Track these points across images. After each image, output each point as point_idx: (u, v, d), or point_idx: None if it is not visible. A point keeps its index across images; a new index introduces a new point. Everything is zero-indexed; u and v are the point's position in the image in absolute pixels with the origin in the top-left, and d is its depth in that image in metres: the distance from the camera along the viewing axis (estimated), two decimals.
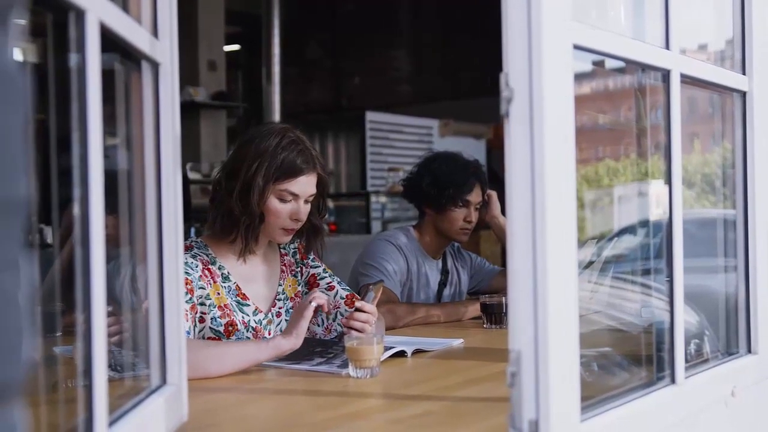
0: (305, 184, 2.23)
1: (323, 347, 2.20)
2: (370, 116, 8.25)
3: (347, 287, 2.44)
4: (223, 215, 2.23)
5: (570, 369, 1.21)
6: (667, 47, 1.52)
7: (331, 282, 2.42)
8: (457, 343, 2.39)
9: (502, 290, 2.99)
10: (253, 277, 2.32)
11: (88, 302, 1.00)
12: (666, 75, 1.52)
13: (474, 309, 2.87)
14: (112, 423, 1.09)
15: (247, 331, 2.23)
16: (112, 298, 1.14)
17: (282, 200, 2.22)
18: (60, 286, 1.57)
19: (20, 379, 0.58)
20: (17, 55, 0.61)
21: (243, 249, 2.26)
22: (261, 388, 1.85)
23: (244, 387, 1.86)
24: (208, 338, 2.18)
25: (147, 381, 1.36)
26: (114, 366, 1.32)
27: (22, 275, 0.57)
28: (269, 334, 2.29)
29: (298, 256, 2.44)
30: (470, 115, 8.67)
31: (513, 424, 1.19)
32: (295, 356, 2.06)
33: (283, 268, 2.40)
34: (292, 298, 2.39)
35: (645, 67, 1.57)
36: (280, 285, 2.38)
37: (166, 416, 1.33)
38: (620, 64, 1.58)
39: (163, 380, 1.38)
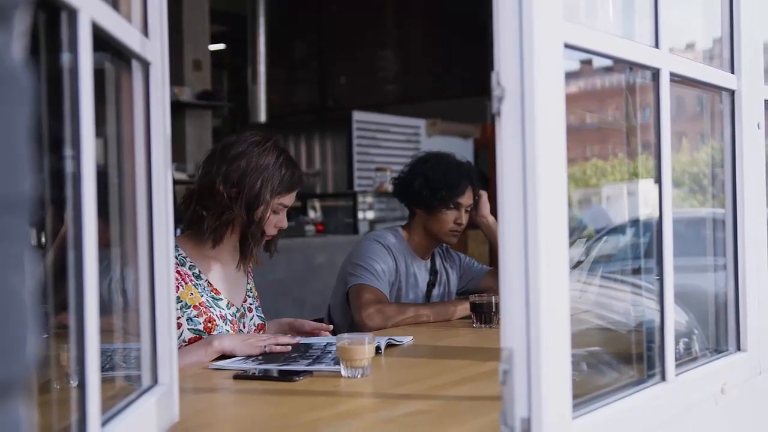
0: (294, 196, 2.37)
1: (306, 348, 2.20)
2: (357, 116, 8.24)
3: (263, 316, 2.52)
4: (225, 224, 2.28)
5: (562, 366, 1.22)
6: (657, 46, 1.53)
7: (255, 304, 2.50)
8: (407, 340, 2.39)
9: (491, 290, 3.00)
10: (224, 275, 2.39)
11: (80, 303, 1.00)
12: (656, 74, 1.53)
13: (463, 308, 2.88)
14: (104, 423, 1.09)
15: (225, 324, 2.28)
16: (101, 299, 1.13)
17: (275, 212, 2.32)
18: (47, 287, 1.56)
19: (25, 376, 0.58)
20: (21, 53, 0.61)
21: (242, 259, 2.35)
22: (252, 389, 1.84)
23: (235, 387, 1.86)
24: (190, 340, 2.19)
25: (138, 381, 1.36)
26: (104, 366, 1.31)
27: (27, 273, 0.58)
28: (243, 327, 2.38)
29: (251, 267, 2.54)
30: (457, 115, 8.68)
31: (505, 421, 1.19)
32: (285, 359, 2.05)
33: (249, 269, 2.49)
34: (256, 297, 2.50)
35: (635, 66, 1.58)
36: (248, 283, 2.48)
37: (158, 416, 1.32)
38: (607, 62, 1.58)
39: (155, 380, 1.37)
